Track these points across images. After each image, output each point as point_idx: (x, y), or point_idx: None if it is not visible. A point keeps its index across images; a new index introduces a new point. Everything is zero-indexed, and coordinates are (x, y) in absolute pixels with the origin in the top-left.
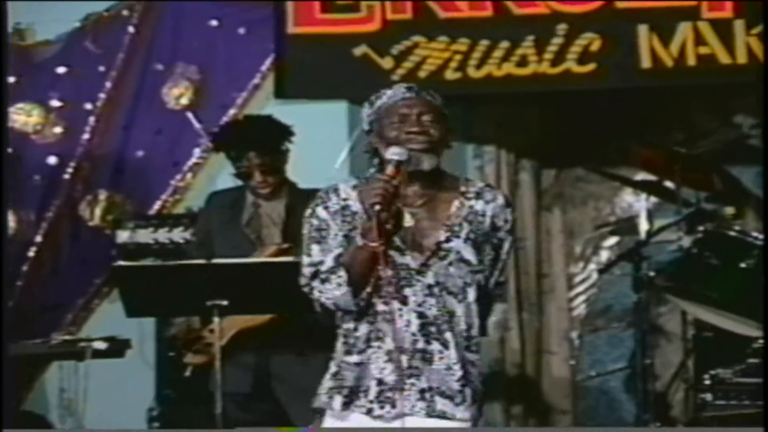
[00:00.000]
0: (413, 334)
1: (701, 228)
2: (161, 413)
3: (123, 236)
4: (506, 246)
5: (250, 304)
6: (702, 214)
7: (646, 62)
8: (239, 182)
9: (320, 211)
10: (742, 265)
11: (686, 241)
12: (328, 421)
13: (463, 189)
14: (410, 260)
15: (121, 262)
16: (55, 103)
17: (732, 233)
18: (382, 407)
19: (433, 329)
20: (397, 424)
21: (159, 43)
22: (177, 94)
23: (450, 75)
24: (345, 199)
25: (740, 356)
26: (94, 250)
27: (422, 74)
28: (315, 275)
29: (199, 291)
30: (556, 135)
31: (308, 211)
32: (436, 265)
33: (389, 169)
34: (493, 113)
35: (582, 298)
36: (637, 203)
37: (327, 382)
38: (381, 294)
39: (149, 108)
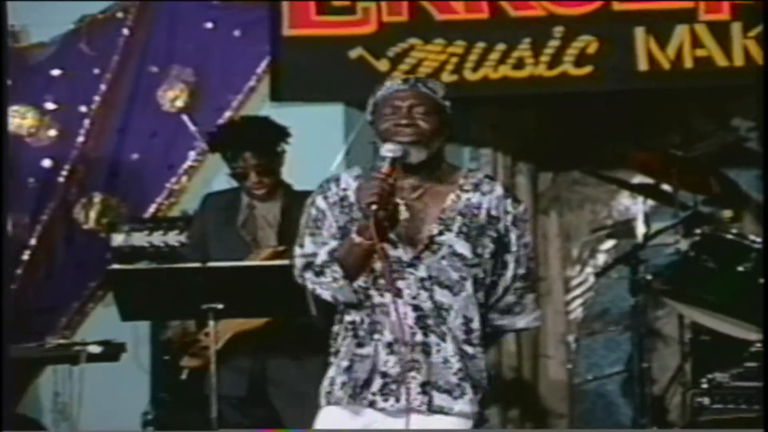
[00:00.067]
0: (411, 327)
1: (698, 231)
2: (156, 417)
3: (118, 239)
4: (512, 237)
5: (245, 307)
6: (699, 218)
7: (643, 65)
8: (234, 184)
9: (319, 201)
10: (740, 268)
11: (683, 245)
12: (336, 415)
13: (461, 181)
14: (402, 253)
15: (116, 266)
16: (50, 105)
17: (729, 236)
18: (385, 400)
19: (429, 322)
20: (400, 418)
21: (154, 45)
22: (172, 96)
23: (446, 77)
24: (344, 189)
25: (737, 360)
26: (89, 254)
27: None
28: (307, 266)
29: (194, 294)
30: (553, 138)
31: (309, 200)
32: (429, 259)
33: (384, 167)
34: (490, 116)
35: (579, 301)
36: (634, 206)
37: (339, 377)
38: (377, 286)
39: (144, 110)
